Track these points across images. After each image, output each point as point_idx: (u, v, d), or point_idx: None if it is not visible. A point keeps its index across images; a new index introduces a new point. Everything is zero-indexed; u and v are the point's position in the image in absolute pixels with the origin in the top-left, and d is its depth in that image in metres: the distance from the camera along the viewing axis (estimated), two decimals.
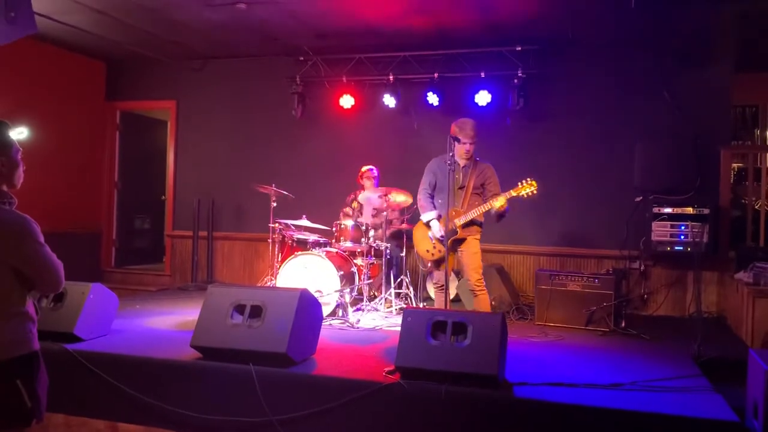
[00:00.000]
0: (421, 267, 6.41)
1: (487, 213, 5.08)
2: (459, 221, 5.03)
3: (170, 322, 5.50)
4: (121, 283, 8.34)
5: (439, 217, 5.14)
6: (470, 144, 5.10)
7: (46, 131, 7.56)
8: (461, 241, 5.12)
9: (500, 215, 5.07)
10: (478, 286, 5.11)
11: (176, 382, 4.00)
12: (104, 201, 8.92)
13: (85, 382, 4.07)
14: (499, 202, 4.94)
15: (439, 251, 5.17)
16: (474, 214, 5.04)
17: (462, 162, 5.19)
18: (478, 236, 5.18)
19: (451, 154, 4.78)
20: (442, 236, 5.09)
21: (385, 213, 6.22)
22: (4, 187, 2.39)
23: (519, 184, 5.01)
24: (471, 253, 5.12)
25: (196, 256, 8.16)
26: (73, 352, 4.15)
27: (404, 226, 6.47)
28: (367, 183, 6.84)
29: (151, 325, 5.37)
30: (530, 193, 4.99)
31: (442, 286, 5.10)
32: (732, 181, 6.67)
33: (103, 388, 4.02)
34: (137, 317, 5.64)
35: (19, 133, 7.05)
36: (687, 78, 6.67)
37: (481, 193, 5.18)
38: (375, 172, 6.85)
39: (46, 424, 3.89)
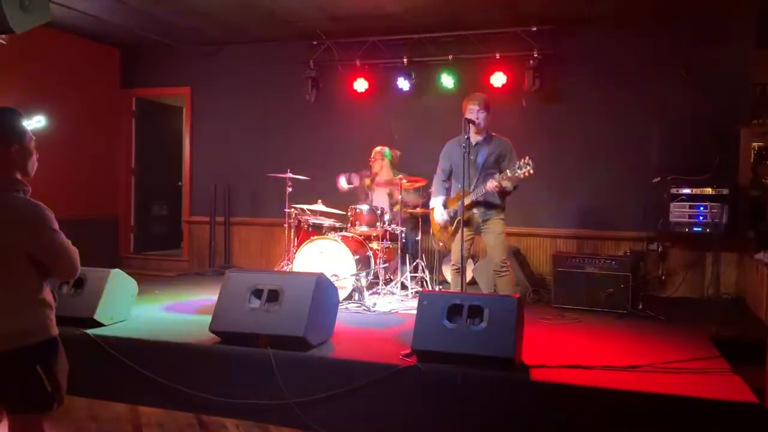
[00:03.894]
0: (436, 246, 6.30)
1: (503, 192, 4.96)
2: (466, 201, 4.89)
3: (189, 307, 5.56)
4: (139, 269, 8.41)
5: (450, 201, 5.10)
6: (477, 113, 4.95)
7: (62, 119, 7.61)
8: (485, 221, 5.01)
9: (502, 193, 4.88)
10: (503, 266, 5.01)
11: (195, 365, 4.05)
12: (122, 187, 9.00)
13: (106, 367, 4.14)
14: (490, 185, 4.79)
15: (449, 234, 5.15)
16: (476, 195, 4.90)
17: (474, 139, 5.02)
18: (502, 216, 5.04)
19: (466, 136, 4.74)
20: (445, 220, 5.13)
21: (400, 196, 6.22)
22: (18, 176, 2.41)
23: (516, 164, 4.74)
24: (495, 234, 5.01)
25: (213, 242, 8.23)
26: (94, 337, 4.22)
27: (419, 210, 6.45)
28: (376, 165, 6.79)
29: (170, 310, 5.43)
30: (526, 174, 4.67)
31: (459, 268, 5.08)
32: (752, 160, 6.55)
33: (124, 372, 4.08)
34: (156, 302, 5.70)
35: (36, 122, 7.10)
36: (705, 55, 6.55)
37: (497, 171, 4.96)
38: (387, 155, 6.77)
39: (68, 408, 3.94)
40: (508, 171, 4.75)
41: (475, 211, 5.01)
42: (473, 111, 4.96)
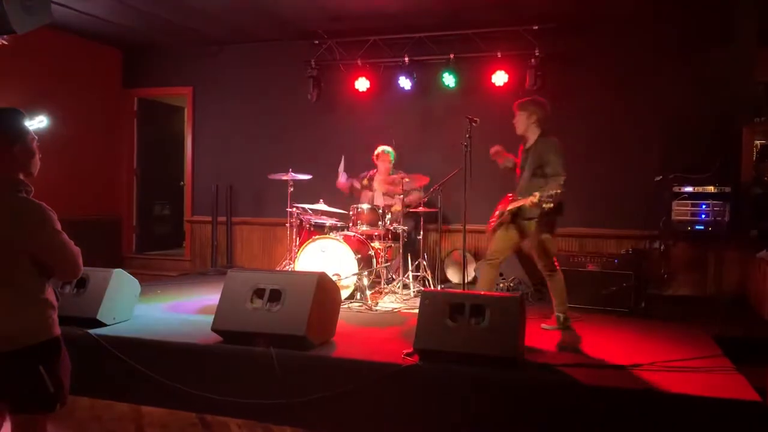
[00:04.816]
0: None
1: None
2: (509, 207, 4.70)
3: (191, 306, 5.56)
4: (142, 269, 8.42)
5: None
6: (527, 116, 4.77)
7: (64, 120, 7.61)
8: (528, 226, 4.73)
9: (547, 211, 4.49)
10: (545, 271, 4.77)
11: (198, 365, 4.05)
12: (124, 188, 9.01)
13: (109, 367, 4.14)
14: (528, 201, 4.47)
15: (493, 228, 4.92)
16: (516, 205, 4.64)
17: (526, 141, 4.85)
18: (545, 220, 4.66)
19: (467, 135, 4.70)
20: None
21: (401, 195, 6.23)
22: (21, 176, 2.41)
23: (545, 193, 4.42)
24: (535, 241, 4.73)
25: (215, 241, 8.24)
26: (97, 337, 4.22)
27: (421, 209, 6.44)
28: (381, 165, 6.81)
29: (172, 309, 5.43)
30: (544, 206, 4.41)
31: (491, 261, 4.89)
32: (754, 158, 6.54)
33: (127, 372, 4.08)
34: (159, 302, 5.70)
35: (39, 122, 7.11)
36: (709, 54, 6.53)
37: (542, 176, 4.68)
38: (392, 156, 6.79)
39: (72, 408, 3.96)
40: (535, 196, 4.39)
41: (519, 215, 4.75)
42: (523, 114, 4.80)
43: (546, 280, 4.89)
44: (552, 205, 4.35)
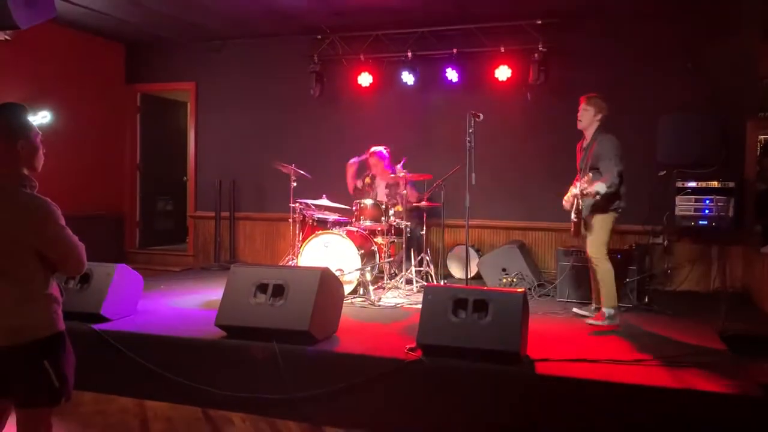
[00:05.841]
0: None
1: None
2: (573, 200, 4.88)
3: (194, 301, 5.58)
4: (145, 264, 8.45)
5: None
6: (582, 111, 4.96)
7: (67, 115, 7.63)
8: (588, 216, 4.93)
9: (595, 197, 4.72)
10: (591, 260, 4.92)
11: (201, 360, 4.07)
12: (127, 183, 9.02)
13: (113, 361, 4.16)
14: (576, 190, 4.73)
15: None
16: (576, 190, 4.80)
17: (585, 136, 5.06)
18: (605, 213, 4.87)
19: (471, 130, 4.70)
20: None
21: (404, 191, 6.22)
22: (25, 171, 2.41)
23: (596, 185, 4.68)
24: (591, 229, 4.91)
25: (218, 237, 8.25)
26: (101, 332, 4.24)
27: (424, 204, 6.43)
28: (373, 167, 6.74)
29: (175, 304, 5.44)
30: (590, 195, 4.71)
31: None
32: (758, 153, 6.51)
33: (130, 367, 4.10)
34: (162, 297, 5.72)
35: (42, 118, 7.13)
36: (712, 49, 6.50)
37: (597, 170, 4.85)
38: (385, 153, 6.72)
39: (76, 402, 3.96)
40: (581, 184, 4.73)
41: (581, 204, 4.91)
42: (591, 110, 4.98)
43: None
44: (597, 197, 4.68)
